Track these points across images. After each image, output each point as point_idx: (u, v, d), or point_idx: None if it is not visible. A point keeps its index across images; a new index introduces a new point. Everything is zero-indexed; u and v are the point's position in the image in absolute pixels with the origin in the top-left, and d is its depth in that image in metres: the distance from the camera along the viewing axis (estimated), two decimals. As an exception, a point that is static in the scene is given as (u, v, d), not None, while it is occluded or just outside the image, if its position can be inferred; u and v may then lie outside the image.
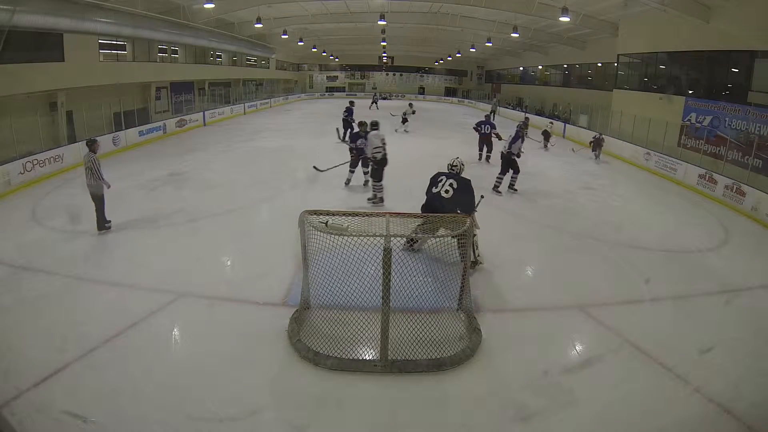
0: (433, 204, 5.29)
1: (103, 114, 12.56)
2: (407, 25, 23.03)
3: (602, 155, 13.82)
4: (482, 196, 5.79)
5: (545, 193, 9.16)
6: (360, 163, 8.54)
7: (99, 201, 6.13)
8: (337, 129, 7.58)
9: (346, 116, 13.90)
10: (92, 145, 6.19)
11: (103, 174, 6.12)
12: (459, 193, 5.22)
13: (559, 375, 3.59)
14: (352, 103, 14.78)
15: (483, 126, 11.72)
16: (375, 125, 7.84)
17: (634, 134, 14.12)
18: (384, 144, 7.54)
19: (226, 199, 7.95)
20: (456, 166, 5.61)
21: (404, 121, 17.24)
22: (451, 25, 21.60)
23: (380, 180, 7.56)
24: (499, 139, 10.94)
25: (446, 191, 5.25)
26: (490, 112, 12.94)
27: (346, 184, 8.68)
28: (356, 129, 8.32)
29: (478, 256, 5.33)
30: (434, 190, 5.33)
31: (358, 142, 8.19)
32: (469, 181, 5.40)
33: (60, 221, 6.69)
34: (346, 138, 13.34)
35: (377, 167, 7.53)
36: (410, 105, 18.49)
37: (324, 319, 3.96)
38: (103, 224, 6.20)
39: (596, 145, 13.84)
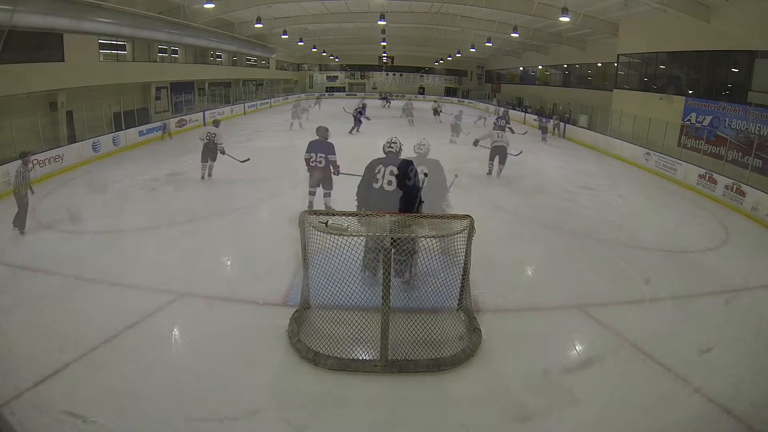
0: (372, 205, 4.24)
1: (103, 114, 12.57)
2: (407, 25, 23.04)
3: (553, 138, 17.35)
4: (456, 176, 5.02)
5: (545, 193, 9.15)
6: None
7: (20, 207, 6.03)
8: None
9: (358, 113, 16.91)
10: (23, 158, 6.21)
11: (22, 185, 5.98)
12: (403, 184, 4.28)
13: (559, 375, 3.59)
14: (364, 104, 18.02)
15: (498, 120, 14.96)
16: (215, 123, 9.32)
17: (634, 134, 14.12)
18: (207, 138, 8.89)
19: (226, 199, 7.94)
20: (395, 143, 4.63)
21: (436, 113, 21.26)
22: (451, 25, 21.60)
23: (205, 162, 9.19)
24: (512, 132, 14.35)
25: (389, 182, 4.22)
26: (503, 113, 18.30)
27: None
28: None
29: (411, 277, 4.34)
30: (375, 185, 4.30)
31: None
32: (411, 162, 4.41)
33: (60, 221, 6.69)
34: (358, 130, 16.33)
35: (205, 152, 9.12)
36: (436, 101, 22.68)
37: (324, 319, 3.95)
38: (18, 223, 6.06)
39: (542, 128, 17.28)
